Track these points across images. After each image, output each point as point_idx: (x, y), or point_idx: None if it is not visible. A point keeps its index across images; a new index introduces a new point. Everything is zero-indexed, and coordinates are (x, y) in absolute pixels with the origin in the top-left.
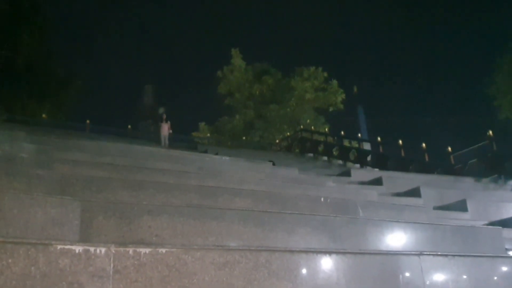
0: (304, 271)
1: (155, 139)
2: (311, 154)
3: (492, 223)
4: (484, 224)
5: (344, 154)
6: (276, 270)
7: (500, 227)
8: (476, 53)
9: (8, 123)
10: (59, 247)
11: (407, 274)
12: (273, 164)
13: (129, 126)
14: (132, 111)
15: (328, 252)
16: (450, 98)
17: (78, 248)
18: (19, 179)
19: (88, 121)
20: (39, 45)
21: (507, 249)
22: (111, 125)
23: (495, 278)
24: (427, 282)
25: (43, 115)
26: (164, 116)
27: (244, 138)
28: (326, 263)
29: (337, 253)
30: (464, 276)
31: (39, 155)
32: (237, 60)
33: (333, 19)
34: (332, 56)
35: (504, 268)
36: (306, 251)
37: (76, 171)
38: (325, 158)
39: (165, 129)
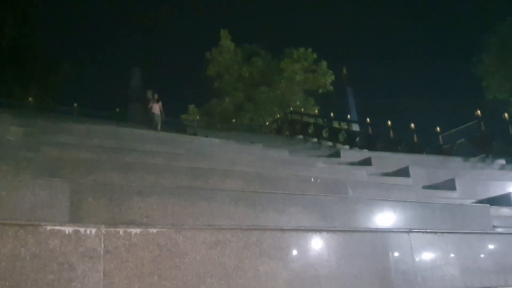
0: (295, 249)
1: (143, 122)
2: (301, 136)
3: (480, 201)
4: (472, 203)
5: (333, 136)
6: (267, 249)
7: (488, 205)
8: (465, 33)
9: None
10: (48, 228)
11: (397, 251)
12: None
13: (117, 109)
14: (120, 94)
15: (319, 230)
16: (439, 78)
17: (68, 229)
18: (7, 161)
19: (75, 105)
20: (24, 28)
21: (494, 226)
22: (99, 108)
23: (483, 254)
24: (417, 259)
25: (30, 99)
26: (156, 96)
27: (234, 120)
28: (317, 241)
29: (327, 231)
30: (453, 253)
31: (27, 138)
32: (226, 41)
33: (322, 0)
34: (321, 37)
35: (491, 245)
36: (297, 230)
37: (65, 153)
38: (315, 139)
39: (157, 109)
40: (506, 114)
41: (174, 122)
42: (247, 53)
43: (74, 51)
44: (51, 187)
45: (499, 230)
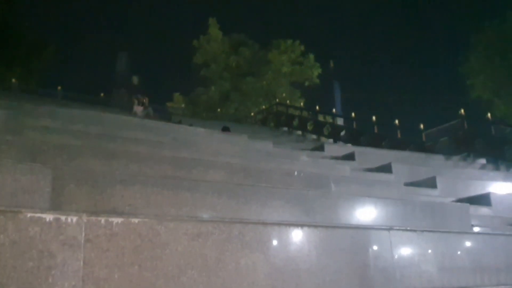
0: (276, 243)
1: (128, 108)
2: (285, 128)
3: (460, 200)
4: (452, 201)
5: (318, 129)
6: (249, 242)
7: (468, 204)
8: (453, 31)
9: None
10: (29, 215)
11: (377, 248)
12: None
13: (102, 94)
14: (106, 78)
15: (300, 225)
16: (424, 76)
17: (49, 217)
18: None
19: (59, 88)
20: (8, 8)
21: (473, 226)
22: (83, 92)
23: (460, 253)
24: (396, 256)
25: (13, 80)
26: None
27: (219, 110)
28: (298, 235)
29: (309, 226)
30: (431, 251)
31: (9, 121)
32: (214, 30)
33: None
34: (309, 30)
35: (469, 244)
36: (279, 224)
37: (47, 138)
38: (300, 132)
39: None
40: (489, 114)
41: (159, 110)
42: (235, 43)
43: (59, 33)
44: (32, 172)
45: (477, 229)
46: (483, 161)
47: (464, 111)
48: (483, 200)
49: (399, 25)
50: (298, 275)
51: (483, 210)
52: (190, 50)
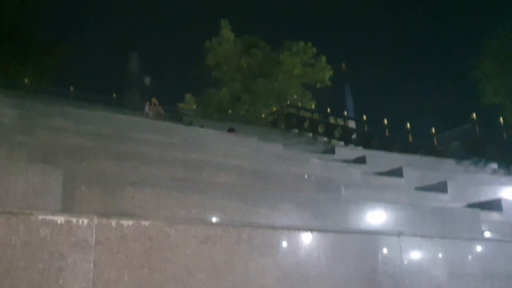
0: (285, 247)
1: (139, 108)
2: (296, 130)
3: (470, 205)
4: (463, 206)
5: (329, 131)
6: (258, 246)
7: (478, 209)
8: (464, 35)
9: None
10: (40, 217)
11: (386, 254)
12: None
13: (114, 95)
14: (118, 79)
15: (310, 230)
16: (436, 79)
17: (60, 219)
18: (0, 145)
19: (72, 88)
20: (24, 8)
21: (483, 231)
22: (96, 92)
23: (471, 259)
24: (405, 262)
25: (26, 80)
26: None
27: (230, 111)
28: (307, 240)
29: (318, 230)
30: (441, 257)
31: (21, 121)
32: (226, 31)
33: None
34: (321, 32)
35: (480, 250)
36: (288, 228)
37: (59, 138)
38: (310, 134)
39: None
40: (501, 119)
41: (170, 110)
42: (247, 44)
43: (72, 33)
44: (44, 173)
45: (488, 235)
46: (494, 166)
47: (476, 115)
48: (494, 205)
49: (412, 29)
50: (306, 280)
51: (494, 216)
52: (202, 51)
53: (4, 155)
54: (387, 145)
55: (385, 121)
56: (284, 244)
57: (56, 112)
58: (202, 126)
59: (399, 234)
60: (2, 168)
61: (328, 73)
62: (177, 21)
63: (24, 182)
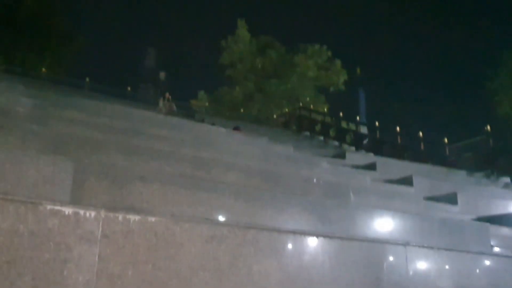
0: (290, 251)
1: (153, 103)
2: (307, 133)
3: (480, 219)
4: (472, 219)
5: (340, 136)
6: (263, 248)
7: (488, 223)
8: (482, 45)
9: (7, 74)
10: (48, 207)
11: (392, 263)
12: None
13: (129, 88)
14: (133, 72)
15: (316, 235)
16: (451, 89)
17: (68, 210)
18: (13, 133)
19: (87, 79)
20: None
21: (492, 246)
22: (110, 85)
23: (478, 273)
24: (410, 272)
25: (43, 69)
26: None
27: (242, 110)
28: (313, 245)
29: (324, 236)
30: (447, 269)
31: (36, 111)
32: (242, 31)
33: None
34: (338, 35)
35: (488, 264)
36: (294, 232)
37: (72, 130)
38: (322, 138)
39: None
40: None
41: (183, 107)
42: (262, 44)
43: (90, 25)
44: (55, 164)
45: (497, 250)
46: (507, 179)
47: (490, 127)
48: (504, 220)
49: (428, 38)
50: (310, 284)
51: (504, 231)
52: (217, 49)
53: (16, 143)
54: (399, 153)
55: (398, 128)
56: (289, 247)
57: (70, 103)
58: (213, 124)
59: (406, 244)
60: (14, 156)
61: (343, 77)
62: (194, 19)
63: (34, 171)
